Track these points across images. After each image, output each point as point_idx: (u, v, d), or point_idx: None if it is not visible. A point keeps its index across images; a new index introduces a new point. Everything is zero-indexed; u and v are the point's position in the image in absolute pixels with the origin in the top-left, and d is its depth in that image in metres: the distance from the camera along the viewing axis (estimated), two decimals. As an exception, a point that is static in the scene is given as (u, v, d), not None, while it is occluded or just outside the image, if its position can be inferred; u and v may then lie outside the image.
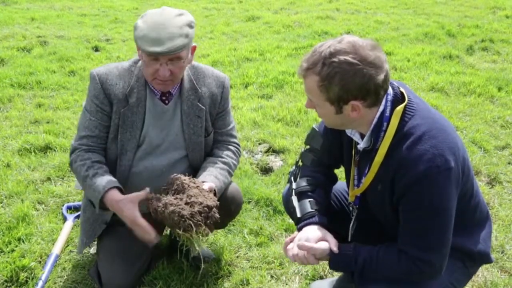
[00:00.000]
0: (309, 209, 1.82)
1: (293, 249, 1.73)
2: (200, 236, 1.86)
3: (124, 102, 2.07)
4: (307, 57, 1.56)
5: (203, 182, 2.02)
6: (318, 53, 1.53)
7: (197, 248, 1.87)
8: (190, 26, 1.97)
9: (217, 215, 1.89)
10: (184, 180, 1.93)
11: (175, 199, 1.87)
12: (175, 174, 1.98)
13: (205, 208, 1.86)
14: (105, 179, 2.00)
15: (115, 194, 1.96)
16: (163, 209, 1.85)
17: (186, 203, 1.85)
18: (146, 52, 1.91)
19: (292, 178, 1.98)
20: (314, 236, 1.72)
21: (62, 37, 6.87)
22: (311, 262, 1.70)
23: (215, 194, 2.03)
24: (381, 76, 1.50)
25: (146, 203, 1.94)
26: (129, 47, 6.42)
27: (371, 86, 1.50)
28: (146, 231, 1.91)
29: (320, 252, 1.68)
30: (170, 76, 1.98)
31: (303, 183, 1.91)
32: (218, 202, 1.93)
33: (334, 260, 1.68)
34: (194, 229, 1.82)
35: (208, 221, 1.87)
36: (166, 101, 2.14)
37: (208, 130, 2.23)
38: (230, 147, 2.30)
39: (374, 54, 1.49)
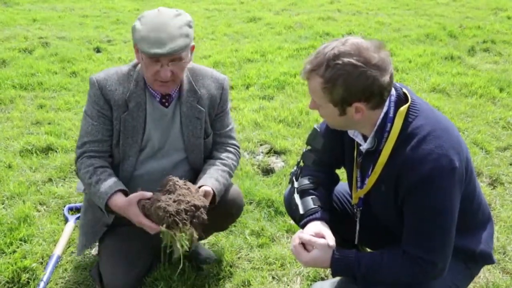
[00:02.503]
0: (312, 206, 1.82)
1: (293, 241, 1.72)
2: (184, 235, 1.84)
3: (124, 108, 2.06)
4: (311, 59, 1.56)
5: (201, 186, 2.02)
6: (322, 55, 1.52)
7: (180, 248, 1.84)
8: (189, 25, 1.96)
9: (204, 216, 1.88)
10: (177, 181, 1.93)
11: (164, 197, 1.88)
12: (169, 176, 1.98)
13: (192, 207, 1.85)
14: (107, 184, 1.99)
15: (118, 200, 1.96)
16: (150, 205, 1.86)
17: (174, 201, 1.85)
18: (147, 54, 1.90)
19: (293, 178, 1.98)
20: (314, 230, 1.72)
21: (64, 38, 6.88)
22: (303, 257, 1.68)
23: (214, 198, 2.03)
24: (386, 78, 1.50)
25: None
26: (131, 48, 6.42)
27: (375, 88, 1.50)
28: (150, 227, 1.91)
29: (318, 244, 1.66)
30: (171, 77, 1.97)
31: (305, 181, 1.91)
32: (207, 203, 1.92)
33: (336, 264, 1.66)
34: (179, 227, 1.81)
35: (194, 220, 1.85)
36: (167, 104, 2.13)
37: (207, 131, 2.22)
38: (230, 148, 2.30)
39: (378, 56, 1.49)
